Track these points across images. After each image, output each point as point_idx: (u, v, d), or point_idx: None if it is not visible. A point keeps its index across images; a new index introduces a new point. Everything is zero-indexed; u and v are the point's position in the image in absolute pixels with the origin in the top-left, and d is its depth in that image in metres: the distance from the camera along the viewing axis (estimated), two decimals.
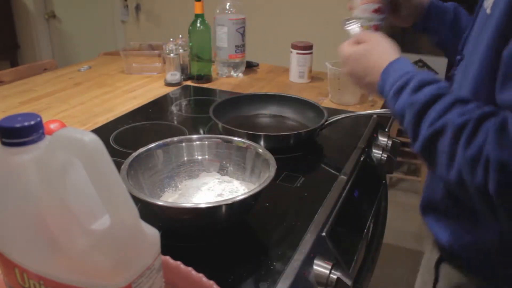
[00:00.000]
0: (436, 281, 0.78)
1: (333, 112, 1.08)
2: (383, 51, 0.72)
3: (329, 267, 0.64)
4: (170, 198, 0.72)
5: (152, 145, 0.75)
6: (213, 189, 0.72)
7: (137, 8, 2.73)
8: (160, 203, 0.62)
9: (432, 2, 0.90)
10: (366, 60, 0.73)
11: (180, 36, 1.47)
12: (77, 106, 1.23)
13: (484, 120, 0.51)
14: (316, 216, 0.72)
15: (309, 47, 1.41)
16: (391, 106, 0.66)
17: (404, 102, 0.61)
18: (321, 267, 0.64)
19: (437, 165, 0.56)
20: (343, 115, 0.99)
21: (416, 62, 2.58)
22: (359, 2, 0.85)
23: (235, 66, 1.50)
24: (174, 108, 1.23)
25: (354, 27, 0.83)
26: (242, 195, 0.63)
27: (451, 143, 0.53)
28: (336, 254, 0.70)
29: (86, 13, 2.98)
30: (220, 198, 0.70)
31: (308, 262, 0.63)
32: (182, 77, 1.43)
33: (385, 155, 1.03)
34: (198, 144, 0.78)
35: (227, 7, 1.43)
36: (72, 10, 3.02)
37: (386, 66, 0.68)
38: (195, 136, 0.79)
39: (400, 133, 2.71)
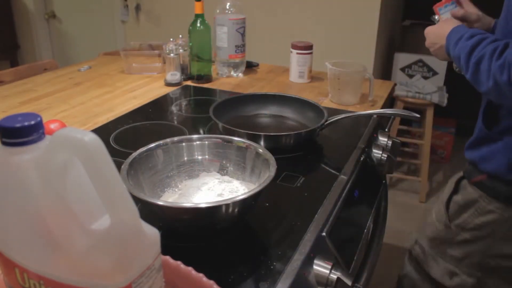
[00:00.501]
0: (453, 193, 1.07)
1: (333, 112, 1.08)
2: (449, 24, 1.00)
3: (329, 267, 0.64)
4: (170, 198, 0.72)
5: (152, 145, 0.75)
6: (213, 189, 0.72)
7: (137, 8, 2.72)
8: (160, 203, 0.62)
9: (495, 24, 1.09)
10: (437, 31, 1.03)
11: (180, 36, 1.46)
12: (77, 106, 1.23)
13: (508, 45, 0.80)
14: (316, 216, 0.72)
15: (309, 47, 1.41)
16: (452, 54, 0.95)
17: (459, 47, 0.91)
18: (321, 267, 0.64)
19: (481, 83, 0.85)
20: (343, 115, 0.99)
21: (416, 62, 2.58)
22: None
23: (235, 66, 1.50)
24: (174, 108, 1.23)
25: (436, 20, 1.12)
26: (242, 195, 0.63)
27: (487, 63, 0.82)
28: (336, 254, 0.70)
29: (86, 13, 2.98)
30: (220, 198, 0.70)
31: (308, 262, 0.63)
32: (182, 77, 1.43)
33: (385, 155, 1.03)
34: (198, 144, 0.78)
35: (227, 7, 1.43)
36: (72, 10, 3.02)
37: (449, 31, 0.97)
38: (195, 136, 0.79)
39: (400, 133, 2.71)
